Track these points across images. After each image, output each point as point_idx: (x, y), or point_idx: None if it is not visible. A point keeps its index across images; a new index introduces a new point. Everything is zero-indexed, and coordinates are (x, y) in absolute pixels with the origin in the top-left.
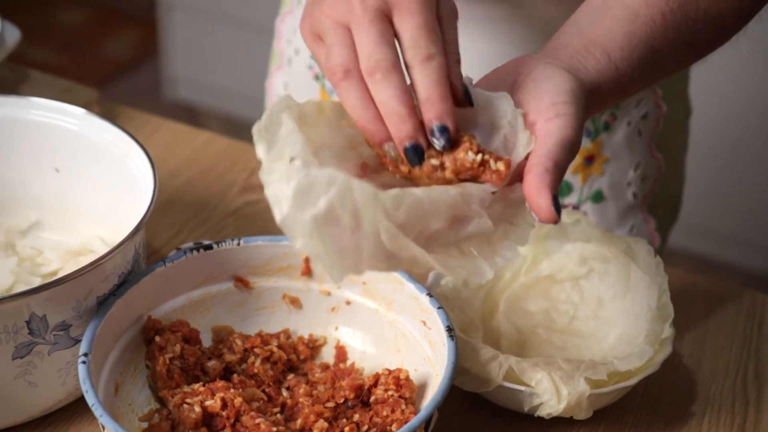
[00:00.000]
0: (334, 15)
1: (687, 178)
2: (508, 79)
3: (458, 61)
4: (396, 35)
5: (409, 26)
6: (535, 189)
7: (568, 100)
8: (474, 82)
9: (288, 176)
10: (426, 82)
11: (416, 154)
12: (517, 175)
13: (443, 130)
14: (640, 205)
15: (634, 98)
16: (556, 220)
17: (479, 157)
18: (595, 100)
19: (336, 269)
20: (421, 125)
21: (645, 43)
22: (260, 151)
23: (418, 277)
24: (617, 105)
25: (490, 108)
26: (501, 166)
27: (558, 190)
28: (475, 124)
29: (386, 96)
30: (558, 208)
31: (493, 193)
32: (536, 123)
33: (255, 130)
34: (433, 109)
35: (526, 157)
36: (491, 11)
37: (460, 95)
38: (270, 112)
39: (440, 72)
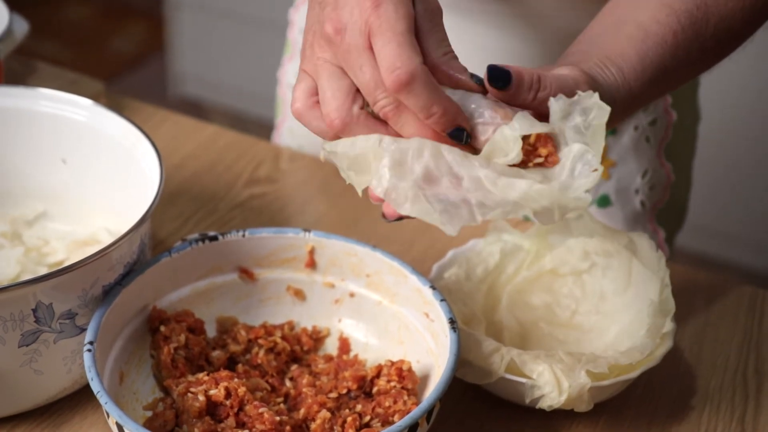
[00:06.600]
0: (339, 58)
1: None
2: None
3: (455, 57)
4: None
5: (380, 49)
6: None
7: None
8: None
9: (378, 157)
10: (419, 103)
11: (460, 134)
12: None
13: (459, 132)
14: (649, 214)
15: None
16: None
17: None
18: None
19: (449, 223)
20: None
21: (656, 64)
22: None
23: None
24: None
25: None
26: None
27: None
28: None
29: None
30: None
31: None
32: None
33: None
34: (440, 124)
35: None
36: (493, 6)
37: (472, 85)
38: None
39: (427, 87)
